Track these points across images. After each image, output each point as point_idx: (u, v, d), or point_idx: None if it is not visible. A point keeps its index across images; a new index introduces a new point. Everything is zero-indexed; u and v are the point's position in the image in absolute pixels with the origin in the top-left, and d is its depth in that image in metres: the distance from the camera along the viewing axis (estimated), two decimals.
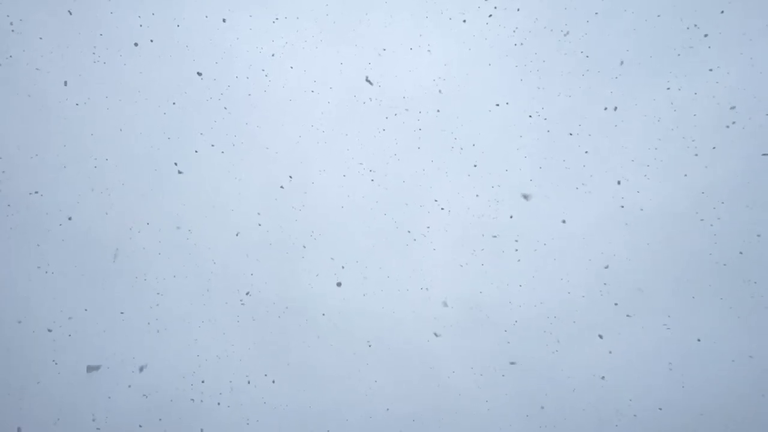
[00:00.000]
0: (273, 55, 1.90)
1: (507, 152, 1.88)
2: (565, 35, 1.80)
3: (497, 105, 1.87)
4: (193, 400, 1.98)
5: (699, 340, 1.83)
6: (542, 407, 1.90)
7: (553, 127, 1.85)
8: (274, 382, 1.97)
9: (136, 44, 1.87)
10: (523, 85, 1.85)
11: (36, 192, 1.96)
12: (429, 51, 1.87)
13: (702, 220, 1.81)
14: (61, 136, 1.95)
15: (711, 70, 1.77)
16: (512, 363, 1.91)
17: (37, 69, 1.93)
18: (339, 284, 1.93)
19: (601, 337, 1.88)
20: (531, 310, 1.90)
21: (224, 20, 1.89)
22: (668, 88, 1.80)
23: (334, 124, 1.92)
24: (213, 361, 1.99)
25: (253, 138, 1.93)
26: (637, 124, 1.82)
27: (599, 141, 1.83)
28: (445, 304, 1.92)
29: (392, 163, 1.92)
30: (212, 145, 1.94)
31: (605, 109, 1.82)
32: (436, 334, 1.85)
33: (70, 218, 1.97)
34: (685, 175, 1.80)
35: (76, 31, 1.91)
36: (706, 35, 1.76)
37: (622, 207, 1.84)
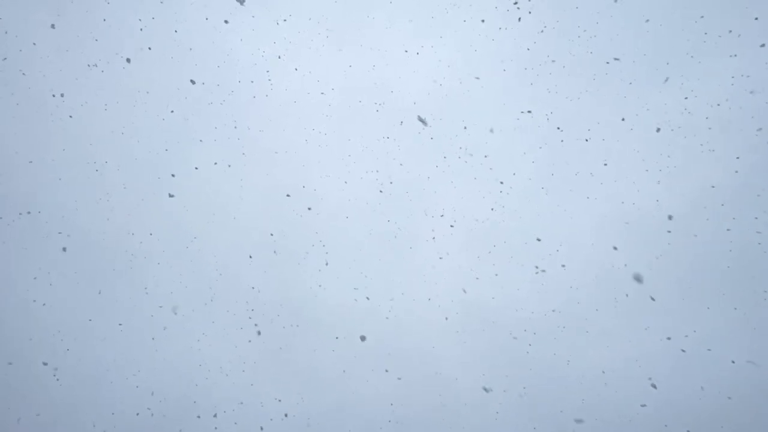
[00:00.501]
0: (279, 57, 1.88)
1: (515, 157, 1.87)
2: (578, 37, 1.78)
3: (505, 108, 1.85)
4: (199, 417, 1.98)
5: (709, 350, 1.82)
6: (549, 416, 1.89)
7: (562, 132, 1.84)
8: (276, 391, 1.96)
9: (128, 60, 1.84)
10: (532, 89, 1.83)
11: (33, 200, 1.94)
12: (434, 54, 1.85)
13: (728, 230, 1.80)
14: (60, 142, 1.92)
15: (733, 76, 1.75)
16: (521, 371, 1.90)
17: (23, 74, 1.90)
18: (356, 299, 1.93)
19: (608, 345, 1.87)
20: (540, 318, 1.89)
21: (226, 21, 1.87)
22: (686, 97, 1.78)
23: (338, 129, 1.90)
24: (216, 371, 1.97)
25: (256, 143, 1.91)
26: (649, 130, 1.80)
27: (610, 146, 1.82)
28: (453, 311, 1.91)
29: (397, 168, 1.91)
30: (214, 151, 1.92)
31: (617, 114, 1.81)
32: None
33: (68, 232, 1.95)
34: (713, 186, 1.78)
35: (74, 34, 1.88)
36: (724, 40, 1.74)
37: (632, 214, 1.83)
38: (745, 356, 1.81)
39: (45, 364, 1.95)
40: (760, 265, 1.78)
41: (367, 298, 1.93)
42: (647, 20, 1.76)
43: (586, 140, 1.83)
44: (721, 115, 1.76)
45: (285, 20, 1.86)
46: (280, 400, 1.95)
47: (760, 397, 1.81)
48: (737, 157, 1.77)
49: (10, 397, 1.96)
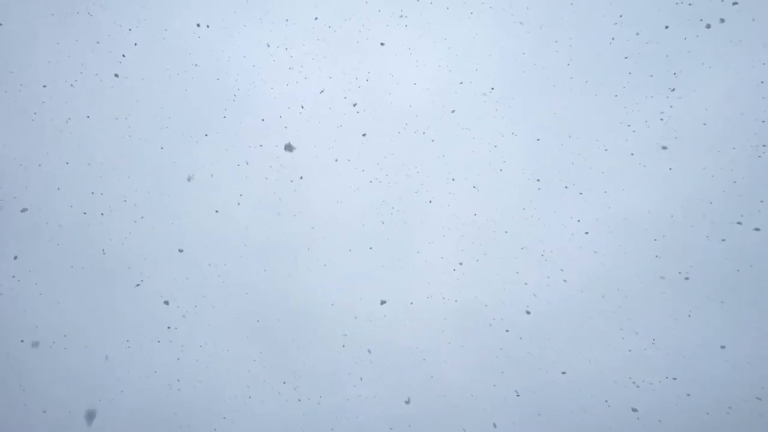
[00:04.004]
0: (275, 62, 1.91)
1: (513, 162, 1.88)
2: (569, 44, 1.80)
3: (505, 112, 1.87)
4: (199, 418, 1.98)
5: (703, 354, 1.81)
6: (539, 413, 1.89)
7: (560, 137, 1.85)
8: (275, 392, 1.97)
9: (122, 65, 1.87)
10: (534, 93, 1.85)
11: (32, 206, 1.97)
12: (433, 58, 1.88)
13: (723, 238, 1.79)
14: (59, 149, 1.96)
15: (732, 81, 1.76)
16: (519, 373, 1.89)
17: (21, 85, 1.95)
18: (374, 299, 1.92)
19: (595, 342, 1.87)
20: (536, 320, 1.88)
21: (224, 27, 1.91)
22: (678, 96, 1.80)
23: (339, 132, 1.92)
24: (217, 372, 1.99)
25: (255, 146, 1.94)
26: (647, 133, 1.81)
27: (606, 151, 1.83)
28: (451, 312, 1.92)
29: (396, 171, 1.92)
30: (213, 153, 1.95)
31: (617, 119, 1.82)
32: (483, 390, 1.83)
33: (67, 235, 1.97)
34: (708, 190, 1.78)
35: (70, 41, 1.93)
36: (724, 45, 1.76)
37: (619, 215, 1.84)
38: (741, 359, 1.80)
39: (43, 350, 1.97)
40: (755, 269, 1.79)
41: (361, 297, 1.94)
42: (648, 25, 1.78)
43: (583, 145, 1.83)
44: (720, 120, 1.77)
45: (286, 25, 1.90)
46: (279, 401, 1.96)
47: (755, 401, 1.80)
48: (735, 160, 1.77)
49: (9, 401, 1.99)
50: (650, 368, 1.84)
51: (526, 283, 1.89)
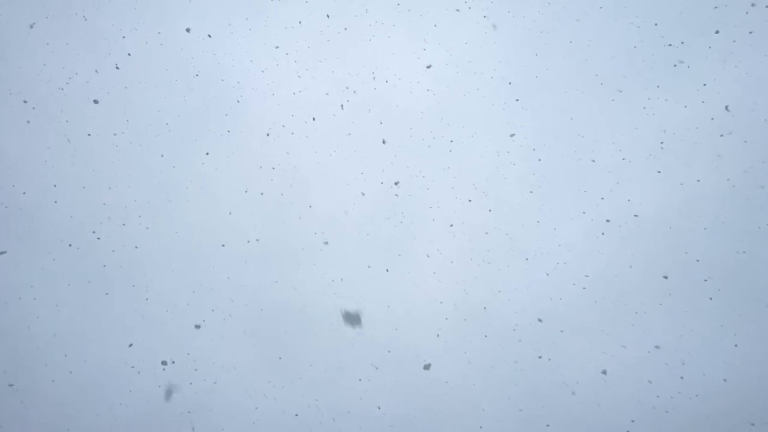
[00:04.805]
0: (278, 65, 1.88)
1: (515, 164, 1.87)
2: (575, 46, 1.79)
3: (506, 113, 1.86)
4: (198, 419, 1.96)
5: (701, 357, 1.83)
6: (537, 413, 1.89)
7: (560, 138, 1.84)
8: (273, 392, 1.96)
9: (118, 68, 1.84)
10: (535, 96, 1.84)
11: (29, 216, 1.93)
12: (436, 61, 1.86)
13: (720, 237, 1.81)
14: (55, 157, 1.92)
15: (705, 84, 1.79)
16: (512, 369, 1.90)
17: (10, 91, 1.90)
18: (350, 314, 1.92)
19: (602, 350, 1.87)
20: (537, 323, 1.89)
21: (230, 33, 1.87)
22: (685, 106, 1.80)
23: (341, 135, 1.91)
24: (215, 374, 1.97)
25: (256, 150, 1.92)
26: (634, 135, 1.82)
27: (606, 153, 1.83)
28: (452, 313, 1.92)
29: (399, 173, 1.91)
30: (213, 155, 1.92)
31: (615, 120, 1.82)
32: (484, 394, 1.85)
33: (66, 236, 1.94)
34: (706, 194, 1.79)
35: (77, 52, 1.88)
36: (690, 52, 1.76)
37: (636, 222, 1.84)
38: (741, 362, 1.81)
39: (45, 347, 1.95)
40: (752, 272, 1.79)
41: (362, 299, 1.93)
42: (639, 26, 1.79)
43: (598, 151, 1.84)
44: (740, 127, 1.78)
45: (286, 29, 1.87)
46: (275, 401, 1.95)
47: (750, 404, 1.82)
48: (756, 167, 1.78)
49: (8, 401, 1.95)
50: (668, 380, 1.85)
51: (539, 291, 1.89)
